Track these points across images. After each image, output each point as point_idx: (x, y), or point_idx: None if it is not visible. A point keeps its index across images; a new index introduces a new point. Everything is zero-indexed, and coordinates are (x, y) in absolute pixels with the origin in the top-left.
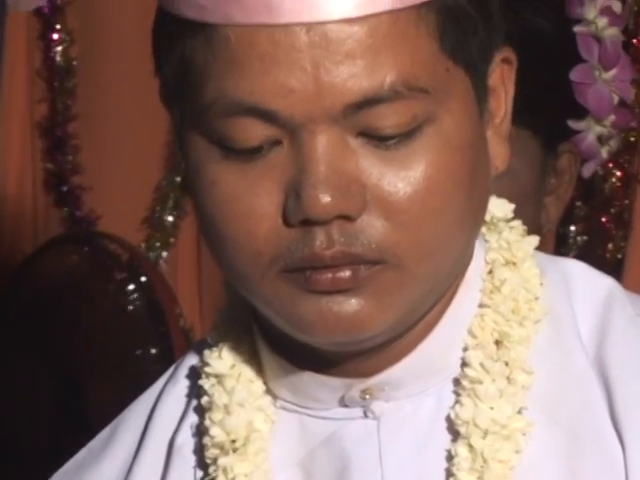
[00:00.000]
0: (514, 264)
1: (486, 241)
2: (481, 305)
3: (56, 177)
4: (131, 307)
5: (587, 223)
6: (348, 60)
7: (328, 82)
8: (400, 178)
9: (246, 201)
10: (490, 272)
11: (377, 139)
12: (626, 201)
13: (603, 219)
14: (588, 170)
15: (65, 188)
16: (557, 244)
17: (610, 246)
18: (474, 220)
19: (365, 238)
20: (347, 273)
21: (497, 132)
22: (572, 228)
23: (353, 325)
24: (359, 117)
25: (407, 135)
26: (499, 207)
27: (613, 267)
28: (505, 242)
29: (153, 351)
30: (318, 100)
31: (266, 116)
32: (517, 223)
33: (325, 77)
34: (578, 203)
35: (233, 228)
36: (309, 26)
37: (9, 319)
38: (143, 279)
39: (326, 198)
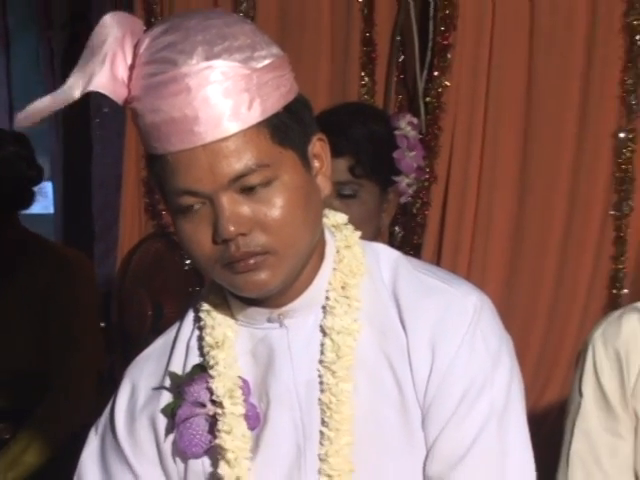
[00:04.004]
0: (349, 247)
1: (335, 235)
2: (334, 269)
3: (152, 206)
4: (186, 268)
5: (404, 226)
6: (226, 159)
7: (218, 171)
8: (267, 209)
9: (195, 236)
10: (338, 251)
11: (250, 193)
12: (421, 215)
13: (412, 224)
14: (403, 199)
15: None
16: (389, 237)
17: (415, 238)
18: (314, 223)
19: (255, 243)
20: (251, 261)
21: (323, 175)
22: (396, 229)
23: (260, 286)
24: (238, 184)
25: (265, 188)
26: (339, 217)
27: (417, 250)
28: (344, 235)
29: (197, 288)
30: (215, 181)
31: (193, 193)
32: (350, 225)
33: (216, 170)
34: (399, 216)
35: (193, 248)
36: (204, 146)
37: (128, 276)
38: None
39: (231, 228)
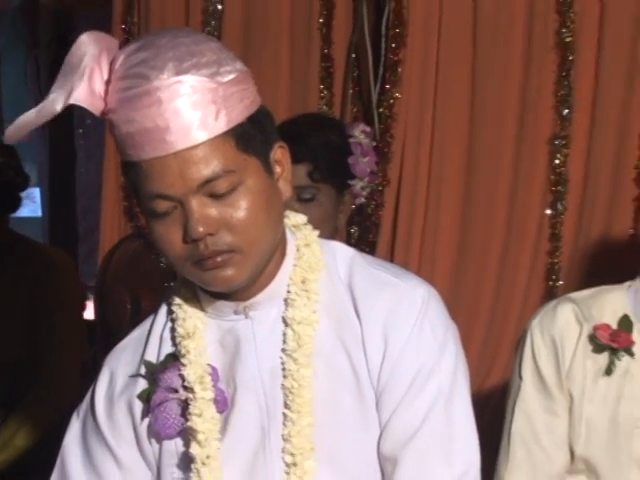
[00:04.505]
0: (308, 245)
1: (295, 234)
2: (294, 265)
3: (130, 209)
4: (162, 265)
5: (360, 226)
6: (195, 165)
7: (188, 176)
8: (232, 211)
9: (167, 237)
10: (298, 249)
11: (217, 196)
12: (376, 216)
13: (367, 224)
14: (358, 201)
15: (134, 211)
16: (347, 236)
17: (370, 236)
18: (275, 224)
19: (222, 242)
20: (218, 259)
21: (284, 179)
22: (353, 228)
23: (227, 281)
24: (206, 188)
25: (231, 192)
26: (299, 218)
27: (372, 247)
28: (303, 234)
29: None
30: (185, 186)
31: (165, 197)
32: (309, 225)
33: (186, 175)
34: (355, 216)
35: (166, 248)
36: (175, 153)
37: (109, 273)
38: None
39: (200, 228)
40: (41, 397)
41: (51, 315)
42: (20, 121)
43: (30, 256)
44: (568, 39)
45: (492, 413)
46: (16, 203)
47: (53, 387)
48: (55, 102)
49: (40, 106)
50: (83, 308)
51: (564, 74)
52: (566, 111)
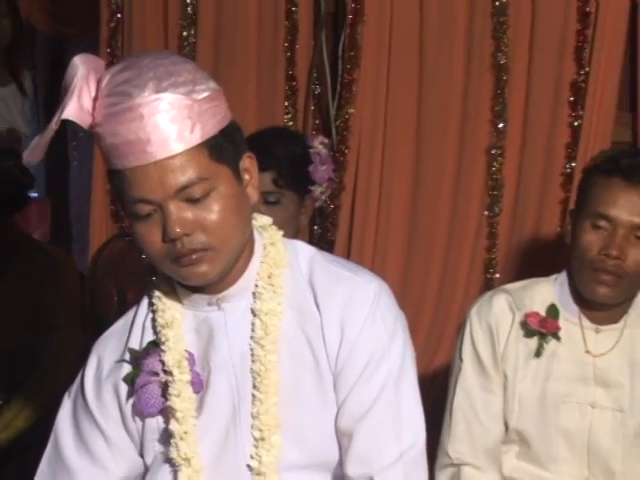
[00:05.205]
0: (273, 244)
1: (262, 234)
2: (261, 262)
3: (117, 213)
4: (145, 262)
5: (320, 226)
6: (172, 173)
7: (167, 183)
8: (206, 214)
9: (149, 237)
10: (264, 247)
11: (192, 201)
12: (334, 217)
13: (326, 224)
14: (318, 204)
15: (120, 214)
16: (309, 235)
17: (329, 235)
18: (244, 225)
19: (197, 241)
20: (194, 256)
21: (252, 186)
22: (315, 228)
23: (202, 276)
24: (182, 193)
25: (204, 197)
26: (265, 219)
27: (331, 245)
28: (269, 234)
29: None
30: (164, 192)
31: (146, 201)
32: (274, 226)
33: (165, 182)
34: (316, 218)
35: (147, 247)
36: (155, 163)
37: (98, 269)
38: None
39: (177, 229)
40: (41, 382)
41: (53, 309)
42: (32, 145)
43: (35, 255)
44: (502, 61)
45: (437, 392)
46: (23, 202)
47: (53, 373)
48: (53, 121)
49: (46, 129)
50: (80, 302)
51: (499, 92)
52: (501, 124)
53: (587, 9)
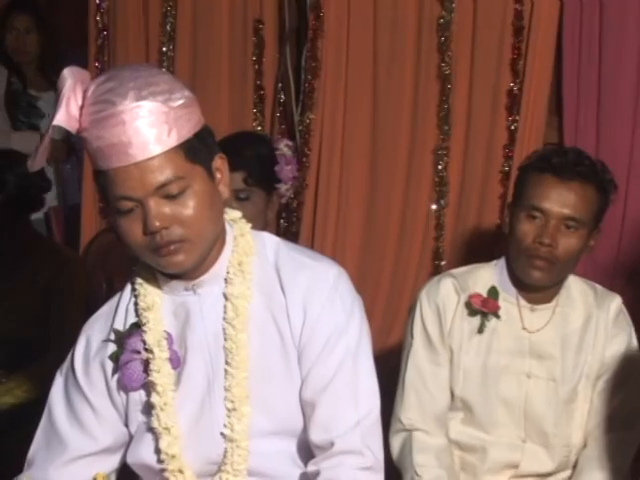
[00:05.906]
0: (243, 235)
1: (232, 227)
2: (232, 251)
3: (105, 209)
4: (130, 253)
5: (286, 219)
6: (152, 172)
7: (147, 182)
8: (182, 209)
9: (131, 230)
10: (235, 238)
11: (170, 197)
12: (298, 212)
13: (292, 218)
14: (284, 200)
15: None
16: (277, 228)
17: (294, 228)
18: (217, 219)
19: (174, 234)
20: (171, 247)
21: (223, 184)
22: (281, 221)
23: (179, 265)
24: (161, 191)
25: (181, 194)
26: (236, 214)
27: (296, 237)
28: (239, 227)
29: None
30: (144, 189)
31: (128, 198)
32: (244, 219)
33: (145, 181)
34: (283, 212)
35: (129, 239)
36: (136, 163)
37: (88, 259)
38: None
39: (156, 223)
40: (48, 364)
41: (62, 304)
42: (33, 153)
43: (48, 255)
44: (447, 72)
45: (392, 366)
46: (39, 204)
47: (58, 357)
48: (47, 129)
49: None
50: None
51: (444, 99)
52: (446, 127)
53: (521, 24)
